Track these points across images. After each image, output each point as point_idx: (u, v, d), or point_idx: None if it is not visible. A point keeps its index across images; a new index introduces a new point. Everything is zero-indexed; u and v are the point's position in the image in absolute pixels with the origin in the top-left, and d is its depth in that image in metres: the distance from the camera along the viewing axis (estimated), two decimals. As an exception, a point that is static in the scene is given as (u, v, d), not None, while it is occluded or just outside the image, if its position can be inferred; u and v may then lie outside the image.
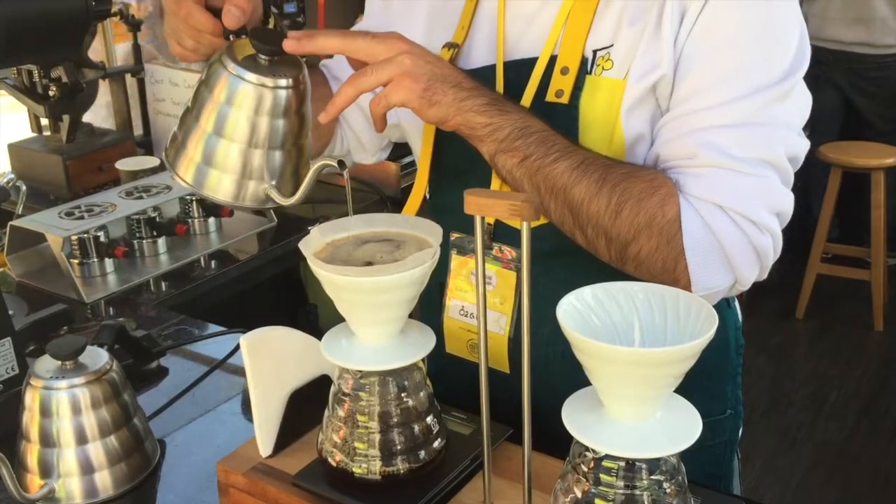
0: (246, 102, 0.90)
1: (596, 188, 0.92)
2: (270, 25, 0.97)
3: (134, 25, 2.36)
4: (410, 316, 0.90)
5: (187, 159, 0.94)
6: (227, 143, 0.92)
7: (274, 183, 0.94)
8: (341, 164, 0.92)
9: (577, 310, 0.75)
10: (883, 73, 3.59)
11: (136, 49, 2.41)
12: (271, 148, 0.93)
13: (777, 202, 0.94)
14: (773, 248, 0.95)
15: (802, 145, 0.97)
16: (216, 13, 0.94)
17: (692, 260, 0.92)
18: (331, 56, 1.24)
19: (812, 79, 0.95)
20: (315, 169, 0.94)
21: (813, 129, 0.98)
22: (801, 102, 0.97)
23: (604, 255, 0.96)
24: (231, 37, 0.94)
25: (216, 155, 0.92)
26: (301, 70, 0.93)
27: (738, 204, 0.92)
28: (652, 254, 0.93)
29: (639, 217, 0.92)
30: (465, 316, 1.11)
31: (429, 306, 1.14)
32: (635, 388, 0.72)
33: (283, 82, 0.91)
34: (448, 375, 1.06)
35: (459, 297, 1.11)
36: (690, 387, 0.75)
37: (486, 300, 0.82)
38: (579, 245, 0.96)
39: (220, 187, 0.93)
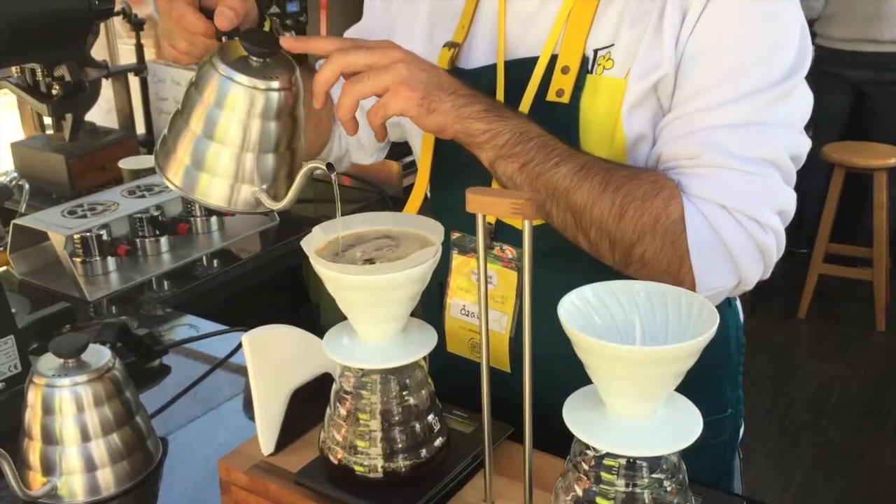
0: (237, 104, 0.88)
1: (599, 191, 0.91)
2: (266, 29, 0.95)
3: (137, 25, 2.36)
4: (412, 314, 0.90)
5: (177, 162, 0.91)
6: (217, 147, 0.90)
7: (265, 187, 0.92)
8: (330, 166, 0.90)
9: (578, 308, 0.75)
10: (891, 75, 3.57)
11: (139, 48, 2.41)
12: (263, 151, 0.91)
13: (779, 201, 0.94)
14: (776, 246, 0.95)
15: (804, 144, 0.97)
16: (209, 15, 0.93)
17: (697, 260, 0.92)
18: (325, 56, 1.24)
19: (820, 79, 0.95)
20: (303, 172, 0.92)
21: (817, 130, 0.98)
22: (803, 102, 0.97)
23: (607, 259, 0.95)
24: (224, 39, 0.93)
25: (207, 158, 0.90)
26: (293, 72, 0.92)
27: (741, 203, 0.91)
28: (656, 255, 0.92)
29: (643, 218, 0.91)
30: (467, 315, 1.11)
31: (430, 306, 1.14)
32: (636, 386, 0.72)
33: (275, 84, 0.89)
34: (449, 375, 1.06)
35: (460, 297, 1.11)
36: (691, 385, 0.75)
37: (487, 299, 0.82)
38: (582, 249, 0.96)
39: (211, 191, 0.91)
